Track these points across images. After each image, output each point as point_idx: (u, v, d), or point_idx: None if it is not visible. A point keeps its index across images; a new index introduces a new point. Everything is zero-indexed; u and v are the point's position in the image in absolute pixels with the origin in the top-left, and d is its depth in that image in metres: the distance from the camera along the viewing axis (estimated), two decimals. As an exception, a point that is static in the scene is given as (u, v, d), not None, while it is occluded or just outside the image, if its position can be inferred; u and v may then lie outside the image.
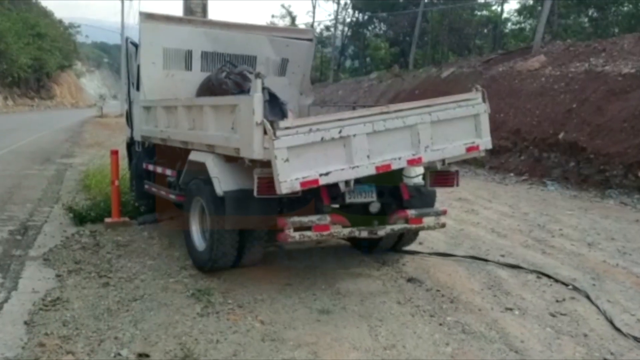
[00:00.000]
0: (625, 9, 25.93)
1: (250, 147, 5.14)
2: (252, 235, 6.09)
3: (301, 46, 9.16)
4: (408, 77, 27.69)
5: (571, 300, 5.84)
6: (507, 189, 14.26)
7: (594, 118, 16.35)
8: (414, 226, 6.25)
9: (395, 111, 5.57)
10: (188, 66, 8.44)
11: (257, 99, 5.06)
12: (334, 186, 5.42)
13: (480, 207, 11.05)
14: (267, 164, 5.27)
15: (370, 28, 43.86)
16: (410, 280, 6.29)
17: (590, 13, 26.56)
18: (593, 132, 16.01)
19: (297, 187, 5.07)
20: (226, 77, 7.98)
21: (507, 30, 34.91)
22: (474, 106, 6.07)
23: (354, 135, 5.30)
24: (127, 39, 9.24)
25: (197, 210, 6.57)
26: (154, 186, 8.12)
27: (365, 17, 42.29)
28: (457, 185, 6.54)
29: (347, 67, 48.01)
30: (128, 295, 5.72)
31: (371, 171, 5.45)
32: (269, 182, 5.33)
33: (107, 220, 8.52)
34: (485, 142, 6.16)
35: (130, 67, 9.22)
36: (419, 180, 6.45)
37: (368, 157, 5.40)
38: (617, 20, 25.55)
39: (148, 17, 8.06)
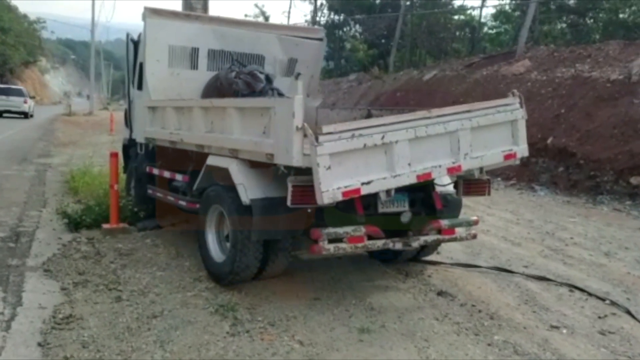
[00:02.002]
0: (602, 16, 26.16)
1: (288, 154, 4.76)
2: (276, 245, 5.71)
3: (311, 46, 8.79)
4: (388, 79, 27.52)
5: (613, 316, 5.60)
6: (499, 194, 14.08)
7: (583, 124, 16.34)
8: (446, 237, 5.95)
9: (437, 116, 5.25)
10: (194, 65, 8.00)
11: (297, 101, 4.69)
12: (367, 195, 5.07)
13: (482, 213, 10.79)
14: (302, 172, 4.93)
15: (345, 30, 43.60)
16: (440, 293, 5.99)
17: (569, 19, 26.71)
18: (582, 137, 15.99)
19: (339, 197, 4.71)
20: (236, 76, 7.58)
21: (481, 34, 35.00)
22: (512, 112, 5.79)
23: (396, 142, 4.97)
24: (127, 35, 8.75)
25: (215, 218, 6.16)
26: (160, 191, 7.65)
27: (341, 18, 42.02)
28: (489, 194, 6.26)
29: (322, 67, 47.60)
30: (146, 312, 5.28)
31: (412, 180, 5.13)
32: (304, 191, 4.99)
33: (105, 226, 8.02)
34: (522, 149, 5.90)
35: (129, 65, 8.73)
36: (450, 188, 6.16)
37: (409, 165, 5.07)
38: (597, 26, 25.74)
39: (153, 12, 7.61)
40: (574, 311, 5.68)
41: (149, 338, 4.73)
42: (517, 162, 6.03)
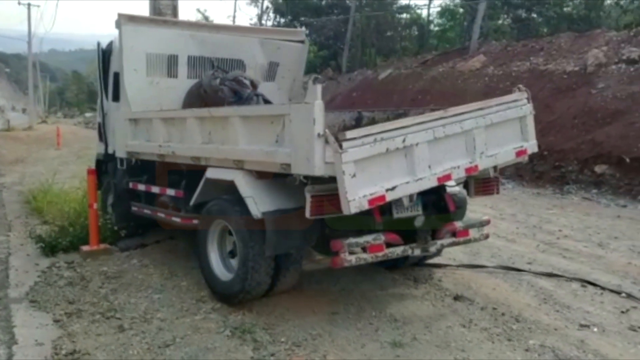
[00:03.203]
0: (548, 10, 26.75)
1: (309, 163, 4.46)
2: (288, 259, 5.40)
3: (293, 49, 8.48)
4: (343, 79, 27.42)
5: (635, 310, 5.53)
6: (471, 190, 14.08)
7: (544, 116, 16.52)
8: (461, 239, 5.76)
9: (453, 115, 5.05)
10: (173, 73, 7.57)
11: (318, 106, 4.39)
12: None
13: (464, 210, 10.73)
14: (319, 181, 4.65)
15: (291, 32, 43.21)
16: (457, 298, 5.79)
17: (518, 14, 27.19)
18: (544, 129, 16.16)
19: (366, 206, 4.44)
20: (221, 83, 7.21)
21: (429, 32, 35.34)
22: (521, 107, 5.65)
23: (417, 144, 4.74)
24: (98, 44, 8.23)
25: (216, 234, 5.79)
26: (147, 208, 7.20)
27: (288, 20, 41.69)
28: (498, 192, 6.10)
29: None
30: (156, 341, 4.89)
31: (433, 183, 4.92)
32: (323, 201, 4.72)
33: (85, 248, 7.49)
34: (531, 145, 5.77)
35: (101, 76, 8.23)
36: (459, 188, 5.98)
37: (429, 167, 4.85)
38: (543, 21, 26.30)
39: (129, 19, 7.14)
40: (595, 307, 5.57)
41: (168, 370, 4.35)
42: (526, 159, 5.90)
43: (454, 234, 5.68)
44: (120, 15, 7.12)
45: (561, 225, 9.48)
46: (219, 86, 7.17)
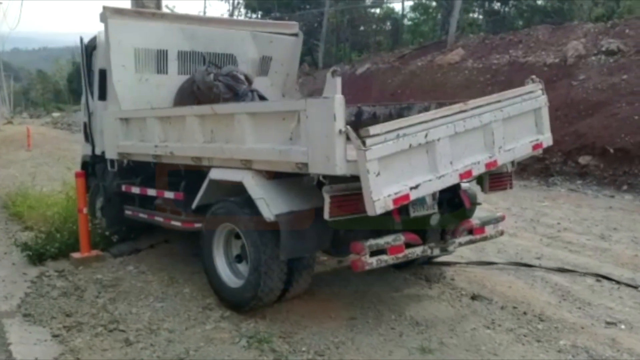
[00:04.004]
0: (521, 3, 26.87)
1: (329, 161, 4.19)
2: (300, 263, 5.13)
3: (286, 42, 8.18)
4: (320, 75, 27.10)
5: (656, 304, 5.41)
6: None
7: (526, 108, 16.49)
8: (478, 237, 5.57)
9: (473, 108, 4.83)
10: (163, 68, 7.22)
11: (338, 101, 4.14)
12: None
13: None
14: (337, 180, 4.40)
15: (263, 28, 42.75)
16: (474, 297, 5.61)
17: (492, 7, 27.24)
18: (527, 121, 16.08)
19: (391, 206, 4.20)
20: (215, 79, 6.90)
21: (403, 27, 35.31)
22: (536, 99, 5.47)
23: (438, 140, 4.51)
24: (81, 39, 7.82)
25: (222, 239, 5.50)
26: (143, 211, 6.85)
27: (259, 16, 41.23)
28: (511, 187, 5.93)
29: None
30: (168, 354, 4.59)
31: (455, 180, 4.71)
32: (342, 201, 4.49)
33: (75, 255, 7.10)
34: (546, 138, 5.60)
35: (85, 74, 7.83)
36: (473, 184, 5.78)
37: (451, 163, 4.64)
38: (517, 13, 26.41)
39: (115, 12, 6.78)
40: (616, 303, 5.44)
41: (187, 387, 4.06)
42: (541, 152, 5.73)
43: (470, 231, 5.49)
44: (105, 8, 6.75)
45: (557, 217, 9.39)
46: (213, 82, 6.87)
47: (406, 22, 35.42)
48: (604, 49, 16.52)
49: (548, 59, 17.58)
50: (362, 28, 36.39)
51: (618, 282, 5.98)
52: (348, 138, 4.15)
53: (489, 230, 5.67)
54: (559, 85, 16.26)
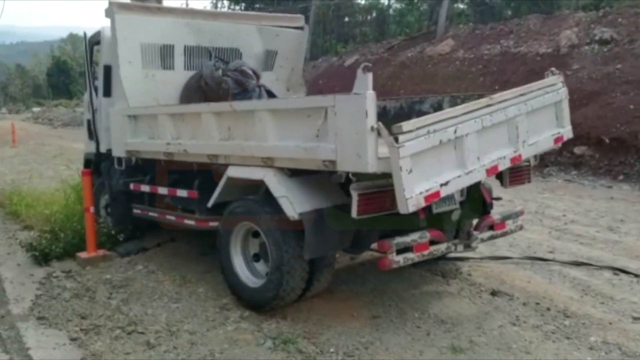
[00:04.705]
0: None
1: (360, 159, 4.10)
2: (322, 261, 5.05)
3: (291, 36, 8.04)
4: (307, 67, 26.92)
5: (678, 297, 5.40)
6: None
7: (520, 99, 16.48)
8: (499, 232, 5.52)
9: (499, 102, 4.77)
10: (169, 64, 7.06)
11: (370, 97, 4.05)
12: None
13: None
14: (364, 177, 4.32)
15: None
16: (494, 293, 5.56)
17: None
18: (521, 112, 16.08)
19: (423, 203, 4.12)
20: (223, 74, 6.77)
21: (389, 17, 35.17)
22: (557, 92, 5.42)
23: (467, 135, 4.44)
24: (85, 34, 7.63)
25: (240, 237, 5.39)
26: (153, 210, 6.70)
27: (242, 8, 40.85)
28: (530, 181, 5.89)
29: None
30: (192, 357, 4.49)
31: (482, 176, 4.65)
32: (371, 199, 4.40)
33: (82, 255, 6.96)
34: (567, 131, 5.57)
35: (89, 69, 7.65)
36: (490, 179, 5.71)
37: (478, 159, 4.57)
38: (507, 2, 26.37)
39: (122, 7, 6.61)
40: (638, 297, 5.42)
41: (217, 391, 3.97)
42: (560, 145, 5.68)
43: (491, 227, 5.43)
44: (111, 4, 6.58)
45: (561, 209, 9.39)
46: (221, 77, 6.75)
47: (391, 12, 35.26)
48: (597, 38, 16.52)
49: (541, 49, 17.57)
50: (347, 19, 36.21)
51: (636, 276, 5.96)
52: (378, 134, 4.07)
53: (509, 225, 5.62)
54: (552, 75, 16.26)
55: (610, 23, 17.11)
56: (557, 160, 14.37)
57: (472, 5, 27.28)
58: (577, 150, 14.04)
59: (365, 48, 26.25)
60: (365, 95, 4.03)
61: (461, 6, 28.57)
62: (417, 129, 4.09)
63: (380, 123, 4.05)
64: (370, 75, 4.09)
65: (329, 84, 24.03)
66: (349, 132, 4.16)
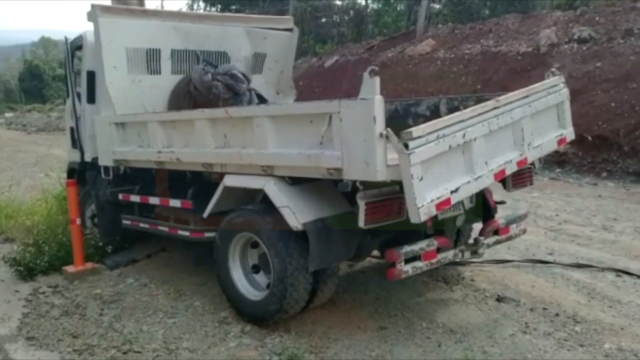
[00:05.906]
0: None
1: (368, 167, 3.93)
2: (326, 272, 4.87)
3: (280, 38, 7.84)
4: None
5: (685, 299, 5.33)
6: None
7: (502, 97, 16.48)
8: (503, 237, 5.41)
9: (505, 104, 4.64)
10: (156, 69, 6.82)
11: (378, 102, 3.89)
12: None
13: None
14: (370, 185, 4.17)
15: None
16: (500, 299, 5.44)
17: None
18: (504, 111, 16.07)
19: (434, 211, 3.98)
20: (213, 78, 6.56)
21: (367, 17, 35.09)
22: (559, 93, 5.32)
23: (475, 139, 4.31)
24: (66, 39, 7.34)
25: (238, 249, 5.19)
26: (144, 221, 6.46)
27: (218, 10, 40.48)
28: (532, 184, 5.78)
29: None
30: (196, 377, 4.28)
31: (490, 180, 4.53)
32: (377, 208, 4.24)
33: (69, 269, 6.68)
34: (569, 132, 5.49)
35: (70, 75, 7.37)
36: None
37: (486, 163, 4.45)
38: (483, 2, 26.44)
39: (105, 10, 6.36)
40: (645, 299, 5.35)
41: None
42: (563, 147, 5.59)
43: (496, 231, 5.31)
44: (94, 7, 6.33)
45: (553, 209, 9.34)
46: (211, 82, 6.54)
47: (368, 12, 35.17)
48: (575, 37, 16.60)
49: (521, 48, 17.61)
50: (323, 20, 36.05)
51: (638, 277, 5.89)
52: (389, 141, 3.91)
53: (513, 229, 5.51)
54: (533, 74, 16.23)
55: (588, 22, 17.22)
56: (540, 158, 14.33)
57: (449, 5, 27.29)
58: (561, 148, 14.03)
59: (345, 48, 26.11)
60: (373, 100, 3.87)
61: (437, 6, 28.56)
62: (427, 134, 3.94)
63: (389, 129, 3.90)
64: (377, 80, 3.94)
65: (309, 85, 23.86)
66: (356, 138, 3.99)
